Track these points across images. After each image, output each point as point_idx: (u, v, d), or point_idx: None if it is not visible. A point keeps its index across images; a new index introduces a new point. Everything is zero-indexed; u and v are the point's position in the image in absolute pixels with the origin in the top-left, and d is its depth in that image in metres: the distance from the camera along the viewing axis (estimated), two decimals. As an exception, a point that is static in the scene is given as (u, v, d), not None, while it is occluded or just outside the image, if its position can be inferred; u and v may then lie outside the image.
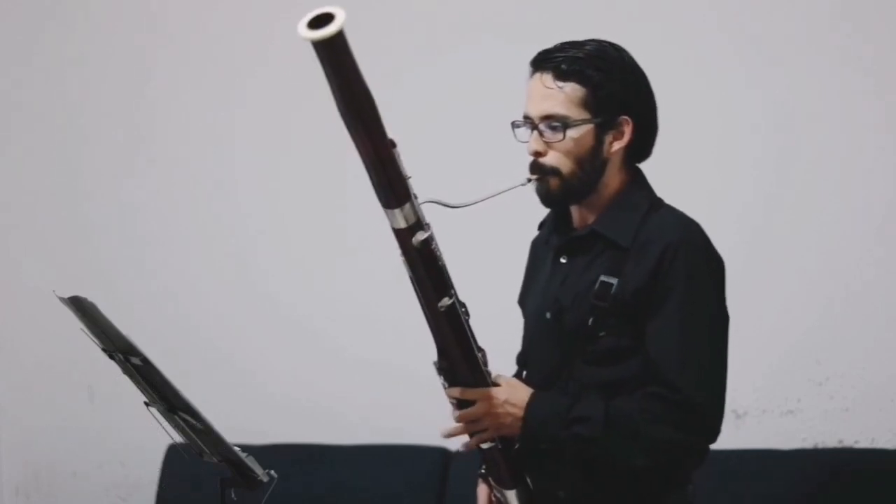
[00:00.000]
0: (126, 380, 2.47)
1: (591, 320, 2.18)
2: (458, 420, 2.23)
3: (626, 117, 2.21)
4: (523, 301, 2.46)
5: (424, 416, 3.70)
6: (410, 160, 2.01)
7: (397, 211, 2.01)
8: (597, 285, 2.18)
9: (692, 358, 2.14)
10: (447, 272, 2.10)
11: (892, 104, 3.44)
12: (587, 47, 2.22)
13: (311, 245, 3.95)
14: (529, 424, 2.19)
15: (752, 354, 3.37)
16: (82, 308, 2.30)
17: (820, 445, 3.50)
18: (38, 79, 4.20)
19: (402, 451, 3.79)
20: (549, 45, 2.26)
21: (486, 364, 2.21)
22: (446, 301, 2.10)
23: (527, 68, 2.26)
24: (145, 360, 2.30)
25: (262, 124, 3.98)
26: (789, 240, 3.50)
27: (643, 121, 2.25)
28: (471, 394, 2.20)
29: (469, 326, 2.15)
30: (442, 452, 3.75)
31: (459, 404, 2.23)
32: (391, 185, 1.98)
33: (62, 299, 2.32)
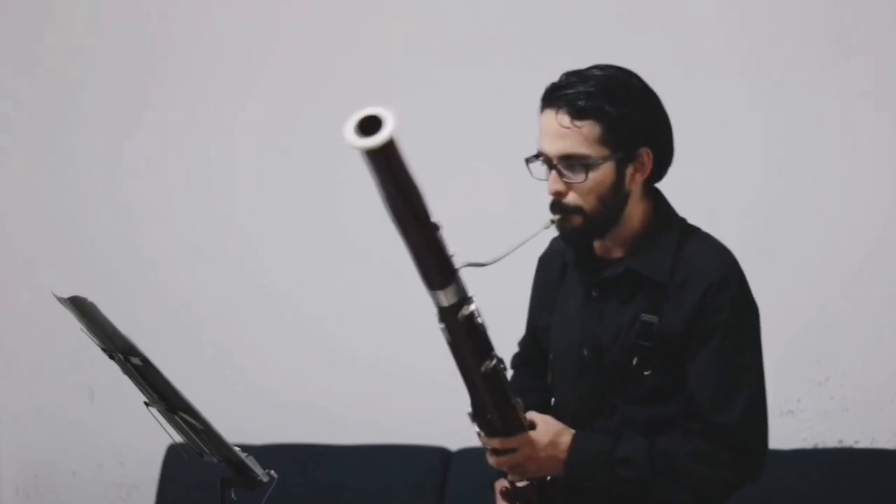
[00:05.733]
0: (126, 380, 2.47)
1: (635, 360, 2.16)
2: (500, 466, 2.19)
3: (646, 149, 2.17)
4: (537, 319, 2.43)
5: (424, 416, 3.72)
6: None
7: (441, 292, 1.94)
8: (637, 324, 2.16)
9: (736, 397, 2.12)
10: (487, 335, 2.04)
11: (894, 105, 3.44)
12: (597, 77, 2.15)
13: (311, 245, 3.95)
14: (572, 467, 2.16)
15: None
16: (82, 308, 2.30)
17: (820, 445, 3.50)
18: (38, 78, 4.20)
19: (402, 451, 3.79)
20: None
21: (524, 410, 2.16)
22: (488, 364, 2.04)
23: (535, 99, 2.21)
24: (145, 360, 2.30)
25: (262, 123, 3.98)
26: (790, 240, 3.50)
27: (661, 146, 2.21)
28: (512, 443, 2.16)
29: (507, 382, 2.10)
30: (442, 452, 3.75)
31: (498, 450, 2.18)
32: (438, 269, 1.92)
33: (62, 299, 2.31)
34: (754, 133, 3.52)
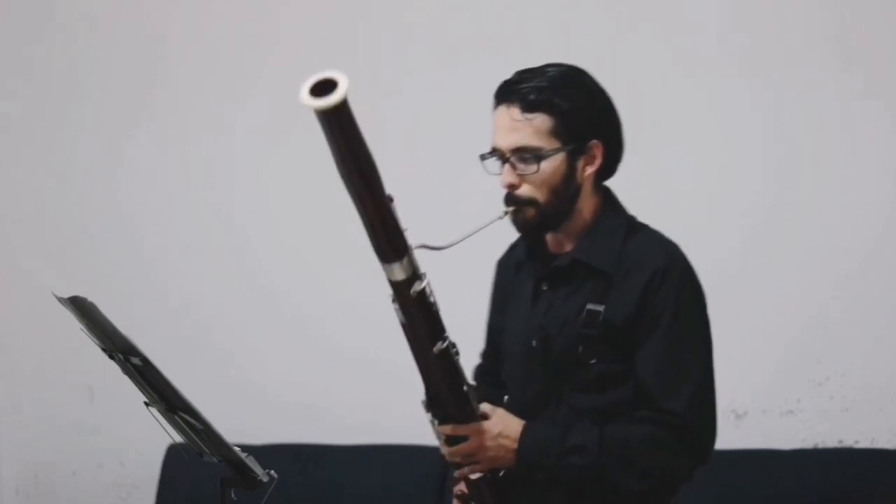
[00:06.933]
0: (126, 380, 2.47)
1: (580, 348, 2.19)
2: (451, 456, 2.23)
3: (596, 141, 2.22)
4: (495, 324, 2.46)
5: (424, 417, 3.70)
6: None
7: (395, 265, 2.00)
8: (584, 314, 2.19)
9: (684, 383, 2.16)
10: (440, 315, 2.08)
11: (893, 105, 3.44)
12: (549, 74, 2.21)
13: (311, 245, 3.95)
14: (524, 456, 2.19)
15: (752, 354, 3.37)
16: (82, 308, 2.30)
17: (820, 445, 3.50)
18: (38, 79, 4.20)
19: (402, 451, 3.79)
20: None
21: (475, 399, 2.19)
22: (440, 345, 2.08)
23: (489, 100, 2.25)
24: (145, 360, 2.30)
25: (262, 123, 3.98)
26: (790, 239, 3.50)
27: (611, 141, 2.25)
28: (463, 430, 2.20)
29: (459, 366, 2.14)
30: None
31: (450, 439, 2.22)
32: (389, 240, 1.97)
33: (62, 299, 2.31)
34: (754, 133, 3.52)
